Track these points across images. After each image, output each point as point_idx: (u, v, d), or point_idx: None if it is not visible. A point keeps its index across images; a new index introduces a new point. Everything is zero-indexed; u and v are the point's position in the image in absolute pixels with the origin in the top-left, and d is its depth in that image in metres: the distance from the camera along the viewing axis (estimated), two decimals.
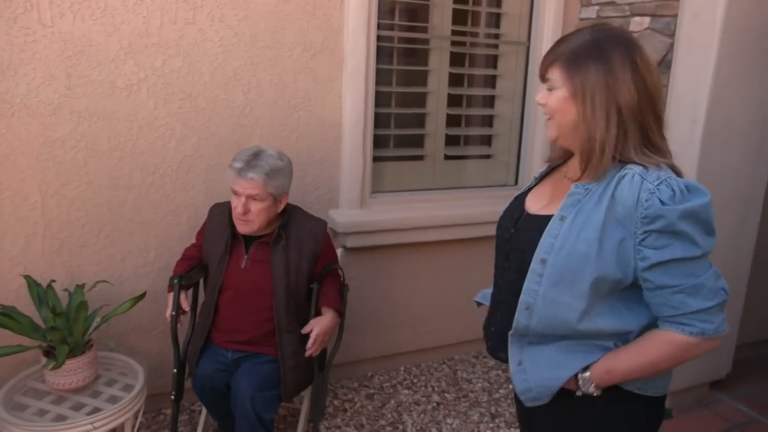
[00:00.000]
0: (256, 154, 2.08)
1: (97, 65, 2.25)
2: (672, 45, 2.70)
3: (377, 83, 2.80)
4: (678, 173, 1.24)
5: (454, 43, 3.01)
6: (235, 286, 2.16)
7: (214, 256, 2.19)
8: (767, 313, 3.31)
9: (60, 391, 2.06)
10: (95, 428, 1.92)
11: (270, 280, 2.13)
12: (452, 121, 3.10)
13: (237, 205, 2.05)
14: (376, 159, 2.91)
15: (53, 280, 2.22)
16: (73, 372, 2.03)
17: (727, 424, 2.77)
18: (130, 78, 2.31)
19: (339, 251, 2.55)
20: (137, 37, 2.29)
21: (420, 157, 3.08)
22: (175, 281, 2.13)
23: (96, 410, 1.99)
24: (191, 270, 2.23)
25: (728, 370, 3.00)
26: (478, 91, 3.20)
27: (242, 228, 2.10)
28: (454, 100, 3.08)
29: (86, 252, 2.38)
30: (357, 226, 2.76)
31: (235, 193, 2.05)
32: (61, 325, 2.01)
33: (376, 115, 2.84)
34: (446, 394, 2.93)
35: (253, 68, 2.51)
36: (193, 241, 2.39)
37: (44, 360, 2.03)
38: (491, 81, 3.20)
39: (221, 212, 2.23)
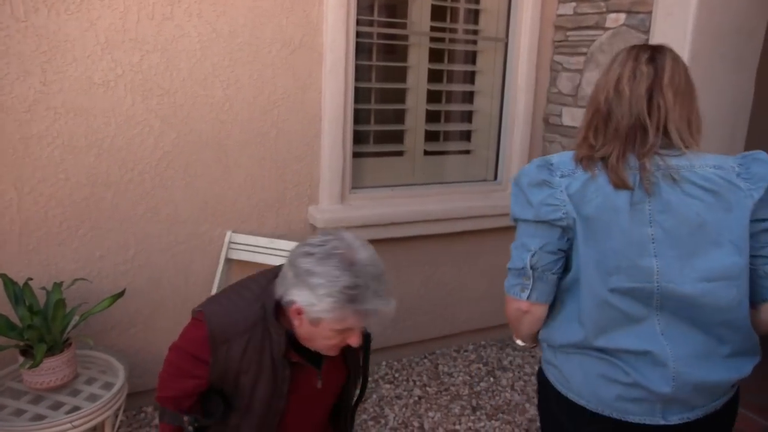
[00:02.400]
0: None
1: (73, 61, 2.22)
2: (647, 41, 2.73)
3: (357, 79, 2.80)
4: None
5: (433, 39, 3.02)
6: (302, 409, 1.61)
7: (259, 393, 1.51)
8: None
9: (38, 391, 2.04)
10: (74, 427, 1.90)
11: (341, 382, 1.70)
12: (431, 116, 3.12)
13: (340, 342, 1.46)
14: (356, 155, 2.91)
15: (30, 278, 2.19)
16: (51, 371, 2.01)
17: None
18: (107, 74, 2.29)
19: None
20: (114, 33, 2.27)
21: (399, 153, 3.09)
22: (190, 428, 1.51)
23: (75, 409, 1.97)
24: (197, 405, 1.56)
25: None
26: (457, 87, 3.21)
27: (333, 352, 1.52)
28: (433, 96, 3.09)
29: (64, 250, 2.35)
30: (337, 222, 2.75)
31: (348, 329, 1.43)
32: (39, 324, 1.99)
33: (356, 111, 2.84)
34: (428, 388, 2.94)
35: (232, 64, 2.49)
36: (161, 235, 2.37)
37: (21, 359, 2.00)
38: (470, 77, 3.22)
39: (251, 345, 1.46)
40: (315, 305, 1.36)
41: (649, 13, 2.71)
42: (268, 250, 2.61)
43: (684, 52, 2.56)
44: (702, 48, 2.58)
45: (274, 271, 1.54)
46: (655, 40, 2.69)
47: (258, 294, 1.49)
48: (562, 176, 1.25)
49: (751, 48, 2.73)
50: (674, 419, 1.28)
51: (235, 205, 2.63)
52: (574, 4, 3.08)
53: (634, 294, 1.22)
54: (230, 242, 2.63)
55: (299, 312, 1.39)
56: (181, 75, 2.41)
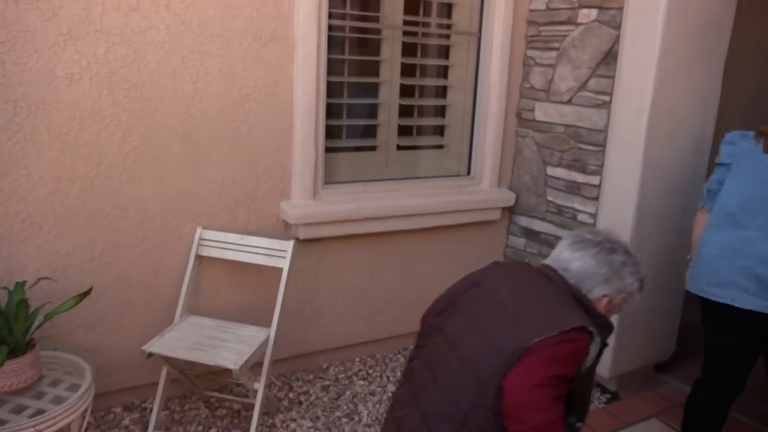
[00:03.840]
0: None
1: (34, 52, 2.13)
2: (618, 37, 2.74)
3: (329, 73, 2.76)
4: None
5: (406, 33, 2.99)
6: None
7: (589, 385, 1.71)
8: None
9: (0, 394, 1.96)
10: (39, 431, 1.83)
11: None
12: (405, 111, 3.08)
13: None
14: (328, 150, 2.87)
15: None
16: (13, 373, 1.93)
17: (669, 403, 2.86)
18: (71, 66, 2.20)
19: (291, 243, 2.51)
20: (77, 24, 2.18)
21: (372, 148, 3.05)
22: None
23: (39, 412, 1.89)
24: None
25: (672, 351, 3.10)
26: (431, 82, 3.19)
27: None
28: (406, 91, 3.06)
29: (27, 247, 2.26)
30: (309, 218, 2.71)
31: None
32: (0, 325, 1.91)
33: (328, 106, 2.80)
34: None
35: (201, 57, 2.43)
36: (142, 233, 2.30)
37: None
38: (443, 71, 3.19)
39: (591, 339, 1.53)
40: (624, 290, 1.64)
41: (621, 9, 2.72)
42: (239, 247, 2.56)
43: (655, 48, 2.57)
44: (672, 43, 2.59)
45: (543, 277, 1.66)
46: (626, 35, 2.69)
47: (565, 299, 1.58)
48: (741, 139, 2.15)
49: (720, 43, 2.76)
50: None
51: (205, 201, 2.57)
52: None
53: None
54: (200, 239, 2.57)
55: (608, 302, 1.63)
56: (149, 68, 2.34)
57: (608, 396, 2.91)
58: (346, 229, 2.86)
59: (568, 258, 1.64)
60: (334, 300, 2.99)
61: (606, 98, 2.81)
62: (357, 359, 3.13)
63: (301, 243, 2.76)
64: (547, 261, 1.72)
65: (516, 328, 1.48)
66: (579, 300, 1.58)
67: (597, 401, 2.86)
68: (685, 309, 3.06)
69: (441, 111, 3.23)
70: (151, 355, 2.20)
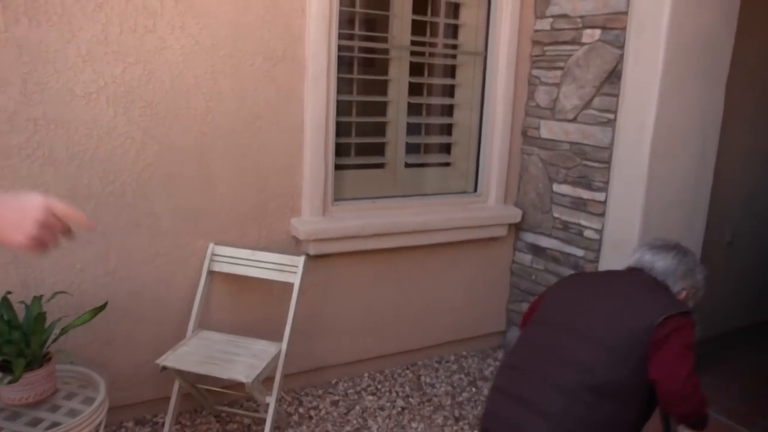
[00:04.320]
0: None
1: (54, 72, 2.18)
2: (621, 56, 2.78)
3: (338, 92, 2.80)
4: None
5: (413, 53, 3.04)
6: None
7: None
8: (713, 309, 3.42)
9: (16, 407, 1.97)
10: None
11: None
12: (412, 129, 3.13)
13: None
14: (338, 167, 2.90)
15: (9, 292, 2.13)
16: (30, 386, 1.95)
17: None
18: (89, 85, 2.25)
19: (302, 258, 2.53)
20: (96, 45, 2.24)
21: (381, 165, 3.09)
22: None
23: (54, 425, 1.91)
24: None
25: None
26: (437, 100, 3.23)
27: None
28: (413, 109, 3.10)
29: (43, 262, 2.29)
30: (319, 234, 2.74)
31: None
32: (18, 339, 1.93)
33: (338, 124, 2.84)
34: (410, 399, 2.92)
35: (214, 76, 2.47)
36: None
37: None
38: (450, 90, 3.24)
39: None
40: (696, 285, 1.94)
41: (624, 29, 2.76)
42: (251, 262, 2.59)
43: (657, 66, 2.61)
44: (674, 62, 2.63)
45: (637, 276, 1.95)
46: (629, 55, 2.74)
47: (662, 291, 1.88)
48: None
49: (720, 62, 2.80)
50: None
51: (217, 217, 2.60)
52: (551, 19, 3.12)
53: None
54: (212, 254, 2.59)
55: (686, 295, 1.93)
56: (163, 87, 2.38)
57: None
58: (355, 245, 2.88)
59: (651, 260, 1.94)
60: (342, 315, 3.00)
61: (610, 116, 2.84)
62: (366, 374, 3.13)
63: (311, 259, 2.78)
64: (631, 264, 2.00)
65: (638, 309, 1.76)
66: (668, 292, 1.87)
67: None
68: None
69: (448, 129, 3.27)
70: (165, 368, 2.22)
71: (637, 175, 2.72)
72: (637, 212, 2.71)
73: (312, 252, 2.77)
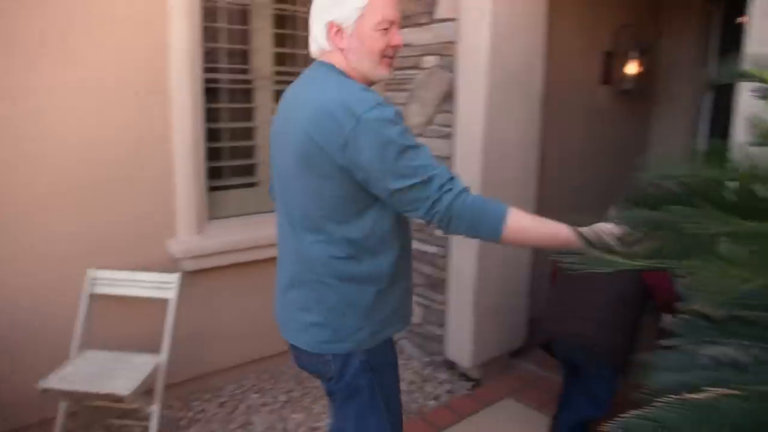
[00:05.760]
0: None
1: None
2: (454, 79, 3.12)
3: (210, 120, 2.96)
4: None
5: (277, 82, 3.24)
6: None
7: None
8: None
9: None
10: None
11: None
12: None
13: (397, 40, 1.55)
14: (213, 188, 3.05)
15: None
16: None
17: (523, 383, 3.23)
18: None
19: (176, 275, 2.67)
20: None
21: (253, 184, 3.26)
22: None
23: None
24: None
25: (523, 339, 3.48)
26: (237, 124, 3.41)
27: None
28: None
29: None
30: (195, 251, 2.88)
31: (390, 24, 1.52)
32: None
33: (212, 149, 2.99)
34: (292, 393, 3.12)
35: (86, 110, 2.56)
36: None
37: None
38: (248, 114, 3.37)
39: None
40: None
41: (454, 56, 3.10)
42: (130, 283, 2.68)
43: (482, 87, 2.95)
44: (497, 84, 2.99)
45: None
46: (459, 78, 3.08)
47: None
48: None
49: (534, 82, 3.20)
50: None
51: (97, 242, 2.68)
52: None
53: None
54: (93, 278, 2.66)
55: None
56: (44, 121, 2.44)
57: (472, 383, 3.23)
58: (232, 258, 3.04)
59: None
60: (226, 322, 3.15)
61: (449, 130, 3.17)
62: (251, 375, 3.29)
63: (191, 274, 2.91)
64: None
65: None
66: None
67: (462, 388, 3.18)
68: (531, 304, 3.46)
69: (250, 151, 3.44)
70: (46, 390, 2.28)
71: (473, 180, 3.05)
72: None
73: (190, 268, 2.90)
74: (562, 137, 3.81)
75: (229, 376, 3.23)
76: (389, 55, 1.53)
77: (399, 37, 1.53)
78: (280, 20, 3.27)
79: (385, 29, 1.49)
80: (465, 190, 1.45)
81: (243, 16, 3.16)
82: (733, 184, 1.01)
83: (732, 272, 0.72)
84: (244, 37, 3.16)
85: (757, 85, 1.61)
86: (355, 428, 1.66)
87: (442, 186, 1.42)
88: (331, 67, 1.52)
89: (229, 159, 3.15)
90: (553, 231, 1.43)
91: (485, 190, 3.04)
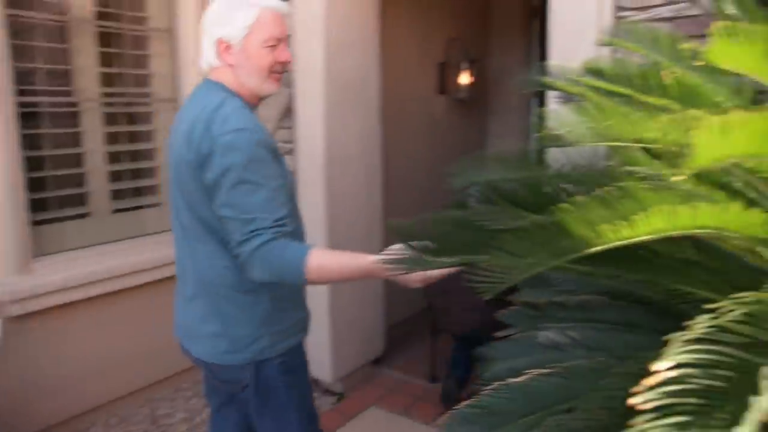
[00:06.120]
0: None
1: None
2: (292, 95, 3.12)
3: (30, 148, 2.69)
4: None
5: (106, 104, 3.03)
6: None
7: None
8: (403, 299, 3.97)
9: None
10: None
11: None
12: (116, 176, 3.11)
13: (285, 56, 1.60)
14: (38, 222, 2.77)
15: None
16: None
17: (385, 390, 3.28)
18: None
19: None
20: None
21: (85, 215, 3.01)
22: None
23: None
24: None
25: (383, 347, 3.55)
26: (137, 146, 3.24)
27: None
28: (114, 157, 3.09)
29: None
30: (22, 294, 2.59)
31: (278, 41, 1.57)
32: None
33: (32, 179, 2.72)
34: None
35: None
36: None
37: None
38: (148, 136, 3.28)
39: None
40: None
41: (293, 72, 3.10)
42: None
43: (320, 104, 2.98)
44: (335, 98, 3.03)
45: None
46: (298, 94, 3.08)
47: None
48: None
49: (372, 94, 3.29)
50: None
51: None
52: None
53: None
54: None
55: None
56: None
57: (336, 397, 3.22)
58: (69, 296, 2.78)
59: None
60: (66, 368, 2.85)
61: (291, 146, 3.16)
62: (99, 423, 3.01)
63: (19, 319, 2.62)
64: None
65: None
66: None
67: (327, 404, 3.16)
68: (390, 311, 3.54)
69: (154, 172, 3.31)
70: None
71: (317, 194, 3.05)
72: (322, 226, 3.05)
73: (17, 313, 2.61)
74: (405, 147, 3.96)
75: (72, 428, 2.94)
76: (277, 71, 1.59)
77: (287, 53, 1.58)
78: (105, 38, 3.07)
79: (273, 46, 1.54)
80: (275, 238, 1.43)
81: (61, 33, 2.92)
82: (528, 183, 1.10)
83: (516, 262, 0.77)
84: (65, 56, 2.93)
85: (558, 93, 1.77)
86: (278, 430, 1.69)
87: (255, 230, 1.42)
88: (214, 84, 1.56)
89: (59, 188, 2.89)
90: (356, 263, 1.47)
91: (331, 204, 3.06)
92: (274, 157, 1.51)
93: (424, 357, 3.43)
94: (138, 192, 3.26)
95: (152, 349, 3.18)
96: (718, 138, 0.51)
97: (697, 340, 0.57)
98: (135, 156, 3.22)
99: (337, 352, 3.17)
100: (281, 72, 1.61)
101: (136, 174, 3.24)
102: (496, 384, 1.37)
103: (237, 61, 1.54)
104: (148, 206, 3.28)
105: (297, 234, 1.66)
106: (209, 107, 1.49)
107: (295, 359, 1.71)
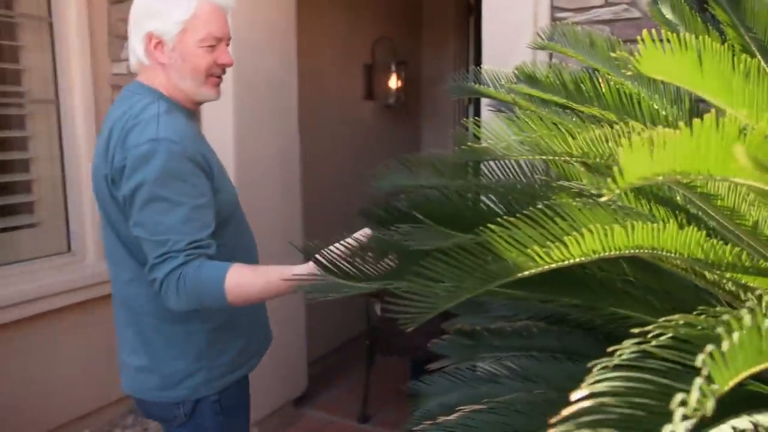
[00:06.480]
0: None
1: None
2: None
3: None
4: None
5: None
6: None
7: None
8: (325, 330, 3.97)
9: None
10: None
11: None
12: None
13: (226, 58, 1.57)
14: None
15: None
16: None
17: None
18: None
19: None
20: None
21: None
22: None
23: None
24: None
25: (305, 385, 3.51)
26: (6, 155, 3.07)
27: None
28: None
29: None
30: None
31: (217, 40, 1.54)
32: None
33: None
34: None
35: None
36: None
37: None
38: (22, 143, 3.12)
39: None
40: None
41: None
42: None
43: (229, 112, 2.94)
44: (245, 104, 2.99)
45: None
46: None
47: None
48: None
49: (289, 99, 3.28)
50: None
51: None
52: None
53: None
54: None
55: None
56: None
57: None
58: None
59: None
60: None
61: None
62: None
63: None
64: None
65: None
66: None
67: None
68: (310, 346, 3.51)
69: (27, 186, 3.14)
70: None
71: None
72: None
73: None
74: (328, 154, 3.96)
75: None
76: (216, 74, 1.55)
77: (227, 56, 1.55)
78: None
79: (212, 46, 1.50)
80: (188, 261, 1.39)
81: None
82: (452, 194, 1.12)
83: (436, 288, 0.78)
84: None
85: (490, 100, 1.83)
86: None
87: (165, 253, 1.39)
88: (141, 86, 1.54)
89: None
90: (277, 274, 1.44)
91: (246, 212, 3.01)
92: (201, 171, 1.47)
93: (352, 394, 3.42)
94: (9, 210, 3.08)
95: (46, 395, 3.01)
96: (645, 156, 0.53)
97: (619, 367, 0.59)
98: (4, 167, 3.04)
99: (252, 391, 3.09)
100: (220, 75, 1.57)
101: (7, 189, 3.07)
102: (426, 424, 1.38)
103: (170, 60, 1.50)
104: (22, 227, 3.10)
105: (240, 254, 1.61)
106: (129, 113, 1.46)
107: (232, 399, 1.68)
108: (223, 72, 1.58)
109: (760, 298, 1.00)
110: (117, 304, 1.66)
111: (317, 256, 1.21)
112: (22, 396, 3.00)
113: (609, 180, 0.56)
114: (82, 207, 3.21)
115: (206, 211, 1.45)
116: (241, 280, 1.40)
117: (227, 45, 1.57)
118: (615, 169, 0.58)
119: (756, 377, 0.91)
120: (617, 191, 0.58)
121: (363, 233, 1.37)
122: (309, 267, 1.31)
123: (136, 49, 1.54)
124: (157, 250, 1.39)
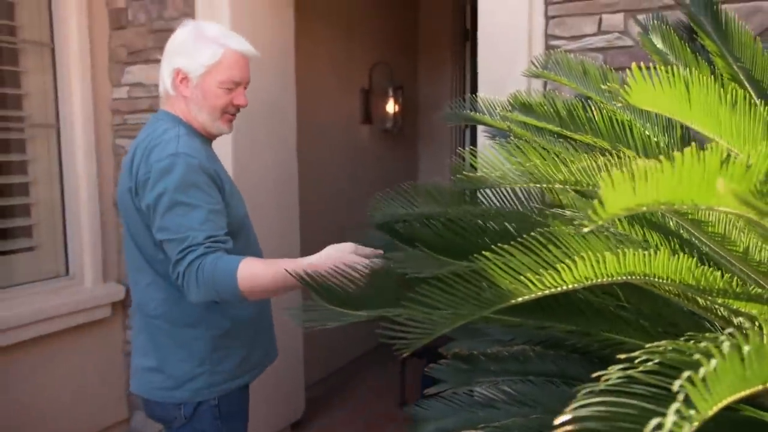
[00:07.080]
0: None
1: None
2: None
3: None
4: None
5: None
6: None
7: None
8: (324, 354, 3.96)
9: None
10: None
11: None
12: None
13: (241, 100, 1.79)
14: None
15: None
16: None
17: None
18: None
19: None
20: None
21: None
22: None
23: None
24: None
25: (303, 409, 3.49)
26: (6, 179, 3.09)
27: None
28: None
29: None
30: None
31: (236, 84, 1.75)
32: None
33: None
34: None
35: None
36: None
37: None
38: (22, 167, 3.14)
39: None
40: None
41: None
42: None
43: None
44: (243, 127, 3.01)
45: None
46: None
47: None
48: None
49: (288, 123, 3.32)
50: None
51: None
52: (127, 88, 3.28)
53: None
54: None
55: None
56: None
57: None
58: None
59: None
60: None
61: None
62: None
63: None
64: None
65: None
66: None
67: None
68: (308, 370, 3.50)
69: (26, 210, 3.16)
70: None
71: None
72: None
73: None
74: (326, 178, 3.99)
75: None
76: (231, 112, 1.77)
77: (243, 98, 1.76)
78: None
79: (230, 89, 1.72)
80: (207, 252, 1.51)
81: None
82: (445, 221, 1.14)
83: (433, 315, 0.80)
84: None
85: (485, 126, 1.86)
86: None
87: (187, 247, 1.52)
88: (165, 114, 1.76)
89: None
90: (287, 266, 1.50)
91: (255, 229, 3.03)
92: (214, 184, 1.64)
93: (349, 419, 3.40)
94: (8, 233, 3.09)
95: (24, 423, 2.99)
96: (627, 188, 0.56)
97: (605, 392, 0.61)
98: (3, 191, 3.06)
99: (250, 415, 3.08)
100: (234, 114, 1.79)
101: (6, 212, 3.08)
102: None
103: (192, 95, 1.72)
104: (21, 250, 3.11)
105: None
106: (152, 135, 1.66)
107: (232, 406, 1.78)
108: (238, 111, 1.79)
109: (752, 321, 1.02)
110: (134, 311, 1.82)
111: (313, 284, 1.22)
112: (18, 419, 2.99)
113: (590, 212, 0.58)
114: (81, 230, 3.22)
115: (221, 216, 1.61)
116: (253, 270, 1.50)
117: (245, 88, 1.78)
118: (596, 202, 0.60)
119: (754, 404, 0.93)
120: (600, 222, 0.60)
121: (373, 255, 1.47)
122: (321, 257, 1.51)
123: (165, 79, 1.75)
124: (179, 247, 1.52)
